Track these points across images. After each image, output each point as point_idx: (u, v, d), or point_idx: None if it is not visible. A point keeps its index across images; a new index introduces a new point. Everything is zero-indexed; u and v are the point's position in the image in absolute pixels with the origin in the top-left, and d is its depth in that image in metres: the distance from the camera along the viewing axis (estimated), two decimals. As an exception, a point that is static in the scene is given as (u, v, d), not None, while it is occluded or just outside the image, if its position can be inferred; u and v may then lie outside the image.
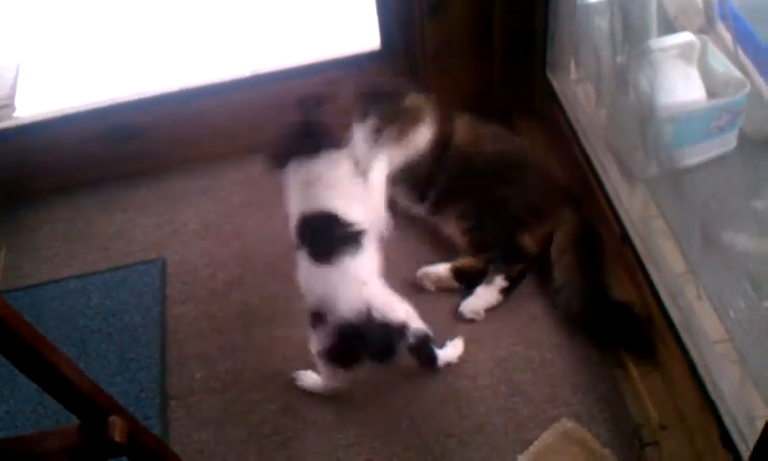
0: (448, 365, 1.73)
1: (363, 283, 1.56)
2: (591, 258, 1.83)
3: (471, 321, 1.82)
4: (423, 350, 1.64)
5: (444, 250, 1.95)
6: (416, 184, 1.94)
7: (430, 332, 1.63)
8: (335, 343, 1.58)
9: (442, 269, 1.87)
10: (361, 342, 1.56)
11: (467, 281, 1.85)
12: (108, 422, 1.13)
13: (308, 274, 1.61)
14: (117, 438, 1.12)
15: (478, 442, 1.62)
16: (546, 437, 1.59)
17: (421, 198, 1.95)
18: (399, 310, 1.59)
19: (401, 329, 1.58)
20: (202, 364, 1.83)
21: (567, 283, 1.78)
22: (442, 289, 1.88)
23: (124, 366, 1.85)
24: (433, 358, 1.69)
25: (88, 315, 1.97)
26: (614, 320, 1.73)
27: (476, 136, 1.97)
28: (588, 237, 1.86)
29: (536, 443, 1.58)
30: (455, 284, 1.87)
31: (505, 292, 1.82)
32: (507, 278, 1.82)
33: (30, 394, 1.80)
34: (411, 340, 1.59)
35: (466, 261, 1.88)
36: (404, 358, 1.62)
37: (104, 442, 1.12)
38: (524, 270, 1.85)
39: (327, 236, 1.59)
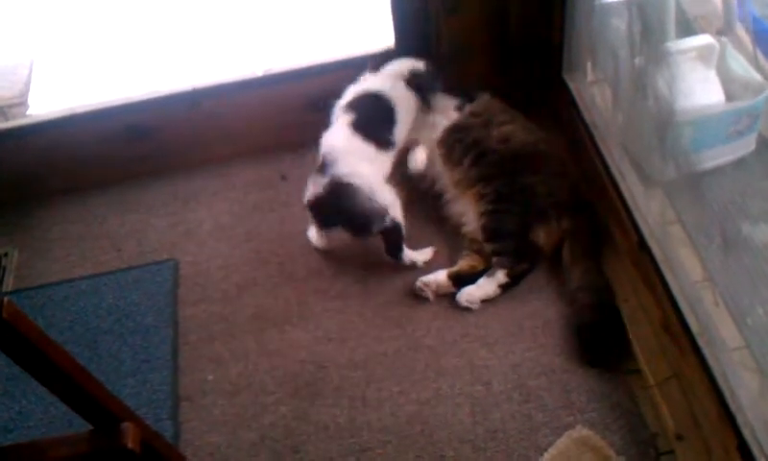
0: (413, 265, 1.92)
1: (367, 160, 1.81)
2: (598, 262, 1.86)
3: (467, 309, 1.84)
4: (393, 236, 1.85)
5: (445, 236, 2.01)
6: (457, 147, 1.98)
7: (404, 227, 1.85)
8: (321, 196, 1.80)
9: (440, 276, 1.89)
10: (343, 206, 1.78)
11: (465, 285, 1.86)
12: (121, 428, 1.14)
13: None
14: (130, 445, 1.13)
15: (492, 448, 1.60)
16: (560, 444, 1.58)
17: (458, 162, 1.97)
18: (387, 197, 1.82)
19: (381, 212, 1.80)
20: (214, 366, 1.82)
21: (585, 286, 1.80)
22: (440, 295, 1.89)
23: (136, 367, 1.85)
24: (399, 248, 1.88)
25: (100, 315, 1.97)
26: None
27: (513, 121, 2.01)
28: (598, 242, 1.89)
29: (550, 450, 1.57)
30: (454, 289, 1.88)
31: (503, 288, 1.84)
32: (509, 274, 1.84)
33: (42, 394, 1.76)
34: (387, 223, 1.81)
35: (464, 264, 1.91)
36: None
37: (116, 449, 1.13)
38: (526, 271, 1.87)
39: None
